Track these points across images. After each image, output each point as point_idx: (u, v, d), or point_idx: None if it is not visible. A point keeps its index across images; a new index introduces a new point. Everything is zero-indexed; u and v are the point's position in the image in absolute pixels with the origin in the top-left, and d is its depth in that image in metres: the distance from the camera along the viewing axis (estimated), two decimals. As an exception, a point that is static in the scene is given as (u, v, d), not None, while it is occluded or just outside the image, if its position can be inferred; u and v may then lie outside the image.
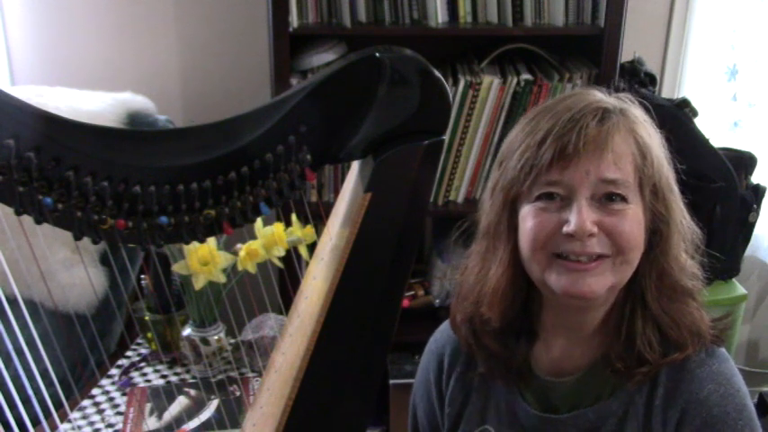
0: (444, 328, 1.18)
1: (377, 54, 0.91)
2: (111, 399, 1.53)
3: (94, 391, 1.55)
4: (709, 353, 1.01)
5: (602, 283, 0.96)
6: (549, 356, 1.06)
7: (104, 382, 1.58)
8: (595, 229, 0.94)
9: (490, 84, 1.98)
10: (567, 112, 0.95)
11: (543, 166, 0.94)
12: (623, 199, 0.95)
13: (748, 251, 2.29)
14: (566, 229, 0.94)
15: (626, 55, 2.07)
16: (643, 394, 1.00)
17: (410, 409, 1.24)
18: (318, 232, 1.20)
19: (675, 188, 1.01)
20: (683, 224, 1.01)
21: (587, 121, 0.94)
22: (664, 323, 1.00)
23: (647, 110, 1.03)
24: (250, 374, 1.60)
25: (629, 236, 0.95)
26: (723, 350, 1.03)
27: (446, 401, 1.14)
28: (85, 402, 1.52)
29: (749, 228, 2.20)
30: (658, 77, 2.37)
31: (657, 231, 0.99)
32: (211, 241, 1.38)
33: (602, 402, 1.02)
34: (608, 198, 0.95)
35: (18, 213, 0.86)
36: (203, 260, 1.38)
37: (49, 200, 0.85)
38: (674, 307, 1.00)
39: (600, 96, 1.00)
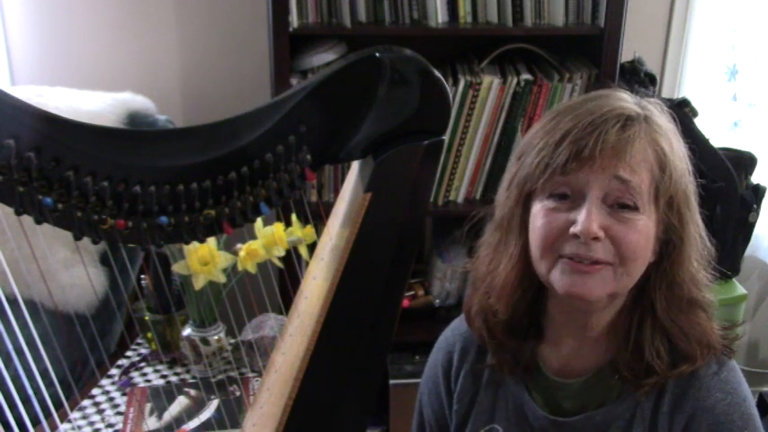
0: (454, 326, 1.19)
1: (377, 54, 0.91)
2: (111, 399, 1.53)
3: (94, 391, 1.55)
4: (718, 362, 1.01)
5: (602, 287, 0.96)
6: (557, 356, 1.07)
7: (104, 382, 1.58)
8: (602, 234, 0.93)
9: (490, 84, 1.98)
10: (588, 116, 0.94)
11: (558, 166, 0.94)
12: (635, 208, 0.94)
13: (748, 251, 2.29)
14: (572, 229, 0.93)
15: (626, 55, 2.07)
16: (650, 399, 1.01)
17: (416, 409, 1.24)
18: (318, 232, 1.20)
19: (693, 202, 1.00)
20: (698, 239, 1.00)
21: (608, 126, 0.93)
22: (673, 334, 1.00)
23: (673, 118, 1.01)
24: (250, 374, 1.60)
25: (635, 247, 0.94)
26: (733, 361, 1.03)
27: (454, 398, 1.14)
28: (85, 402, 1.52)
29: (749, 228, 2.20)
30: (658, 77, 2.37)
31: (670, 242, 0.98)
32: (211, 241, 1.38)
33: (610, 405, 1.02)
34: (620, 206, 0.94)
35: (18, 213, 0.86)
36: (203, 260, 1.38)
37: (48, 200, 0.85)
38: (683, 318, 1.00)
39: (625, 102, 0.98)
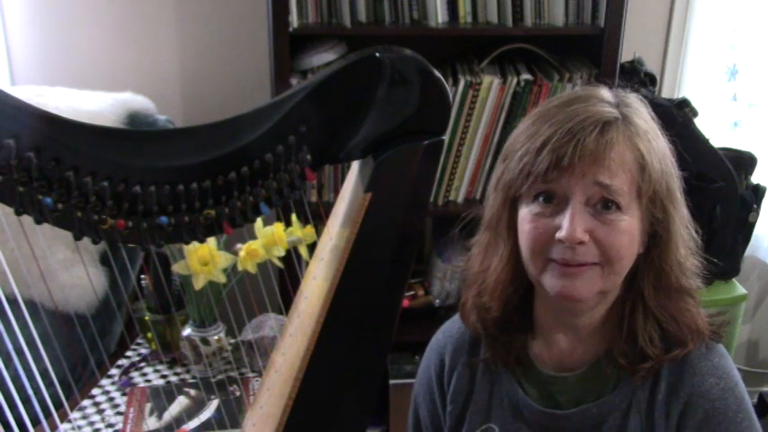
0: (445, 328, 1.20)
1: (377, 54, 0.91)
2: (111, 399, 1.53)
3: (94, 391, 1.55)
4: (709, 348, 1.03)
5: (591, 287, 0.98)
6: (549, 353, 1.08)
7: (104, 382, 1.58)
8: (586, 238, 0.95)
9: (490, 84, 1.98)
10: (567, 123, 0.95)
11: (539, 174, 0.95)
12: (618, 207, 0.95)
13: (748, 251, 2.29)
14: (558, 235, 0.95)
15: (626, 55, 2.07)
16: (646, 388, 1.02)
17: (411, 411, 1.24)
18: (318, 232, 1.20)
19: (678, 195, 1.01)
20: (684, 229, 1.02)
21: (585, 134, 0.94)
22: (663, 320, 1.02)
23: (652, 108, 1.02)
24: (250, 374, 1.60)
25: (618, 248, 0.96)
26: (721, 346, 1.05)
27: (448, 399, 1.14)
28: (85, 402, 1.52)
29: (749, 228, 2.20)
30: (658, 77, 2.37)
31: (656, 235, 1.00)
32: (211, 241, 1.38)
33: (606, 397, 1.04)
34: (604, 206, 0.95)
35: (18, 213, 0.85)
36: (203, 260, 1.38)
37: (49, 200, 0.85)
38: (672, 305, 1.02)
39: (603, 105, 0.98)
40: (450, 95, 0.99)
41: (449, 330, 1.18)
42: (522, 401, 1.08)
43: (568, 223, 0.94)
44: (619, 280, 1.00)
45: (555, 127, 0.95)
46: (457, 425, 1.13)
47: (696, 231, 1.04)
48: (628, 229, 0.96)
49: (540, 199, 0.97)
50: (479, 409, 1.11)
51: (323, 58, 1.99)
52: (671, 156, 1.01)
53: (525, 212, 0.99)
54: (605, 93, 1.01)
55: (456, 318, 1.18)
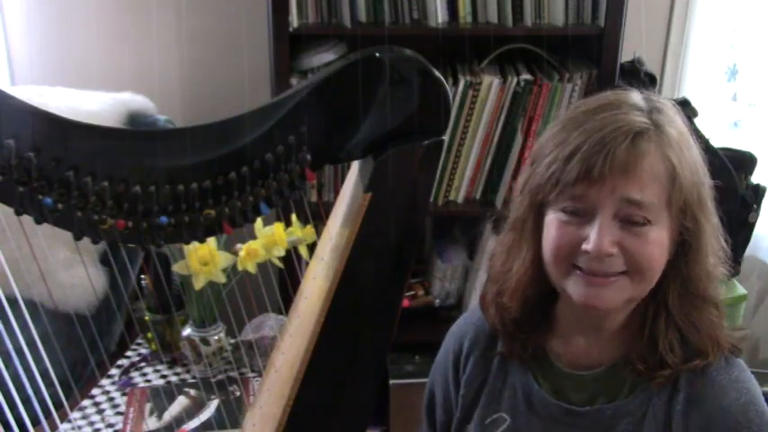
0: (467, 315, 1.21)
1: (377, 54, 0.91)
2: (111, 399, 1.53)
3: (94, 391, 1.55)
4: (728, 361, 1.02)
5: (618, 296, 0.97)
6: (566, 351, 1.08)
7: (104, 382, 1.58)
8: (614, 250, 0.93)
9: (490, 84, 1.98)
10: (597, 132, 0.93)
11: (568, 184, 0.94)
12: (647, 221, 0.94)
13: (748, 251, 2.29)
14: (584, 246, 0.94)
15: (626, 55, 2.07)
16: (663, 397, 1.01)
17: (426, 393, 1.25)
18: (318, 232, 1.20)
19: (708, 203, 1.00)
20: (713, 238, 1.01)
21: (616, 145, 0.92)
22: (685, 328, 1.00)
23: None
24: (250, 374, 1.60)
25: (648, 258, 0.95)
26: (741, 360, 1.04)
27: (462, 383, 1.15)
28: (85, 402, 1.52)
29: (749, 228, 2.19)
30: (658, 77, 2.36)
31: (685, 243, 0.99)
32: (211, 241, 1.38)
33: (622, 400, 1.03)
34: (632, 222, 0.94)
35: (18, 213, 0.86)
36: (203, 260, 1.38)
37: (49, 200, 0.85)
38: (696, 314, 1.01)
39: (635, 113, 0.96)
40: (450, 95, 0.99)
41: (470, 318, 1.19)
42: (536, 394, 1.08)
43: (596, 236, 0.93)
44: (648, 288, 0.98)
45: (585, 135, 0.94)
46: (468, 411, 1.14)
47: (726, 240, 1.02)
48: (657, 240, 0.95)
49: (568, 211, 0.96)
50: (492, 398, 1.12)
51: (323, 58, 1.99)
52: (702, 164, 1.00)
53: (552, 218, 0.98)
54: (637, 98, 0.99)
55: (478, 307, 1.18)
